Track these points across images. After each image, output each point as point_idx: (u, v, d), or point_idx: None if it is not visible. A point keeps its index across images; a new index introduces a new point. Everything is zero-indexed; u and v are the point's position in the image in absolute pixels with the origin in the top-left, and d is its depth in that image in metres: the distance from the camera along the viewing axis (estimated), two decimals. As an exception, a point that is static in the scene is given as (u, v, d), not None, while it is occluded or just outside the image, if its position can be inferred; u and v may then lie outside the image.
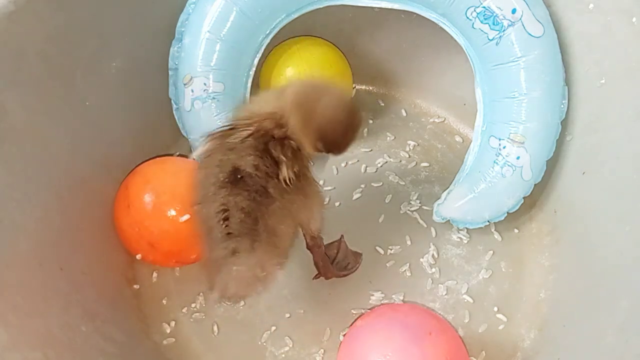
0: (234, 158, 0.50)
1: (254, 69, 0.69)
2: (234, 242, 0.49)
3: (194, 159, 0.58)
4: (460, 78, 0.76)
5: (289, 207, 0.51)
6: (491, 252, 0.70)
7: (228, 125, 0.52)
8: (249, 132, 0.50)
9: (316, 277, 0.66)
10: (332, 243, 0.68)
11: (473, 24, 0.64)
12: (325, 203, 0.59)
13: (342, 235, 0.68)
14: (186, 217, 0.60)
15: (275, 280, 0.52)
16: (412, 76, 0.83)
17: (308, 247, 0.62)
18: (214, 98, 0.67)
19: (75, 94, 0.61)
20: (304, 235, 0.59)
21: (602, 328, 0.54)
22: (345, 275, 0.67)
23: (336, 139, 0.52)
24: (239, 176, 0.49)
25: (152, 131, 0.72)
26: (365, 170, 0.77)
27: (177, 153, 0.74)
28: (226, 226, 0.49)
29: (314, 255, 0.64)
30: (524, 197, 0.68)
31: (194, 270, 0.67)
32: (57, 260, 0.56)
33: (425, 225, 0.72)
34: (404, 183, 0.76)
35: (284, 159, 0.50)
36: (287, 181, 0.50)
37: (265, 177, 0.49)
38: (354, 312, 0.65)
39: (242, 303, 0.66)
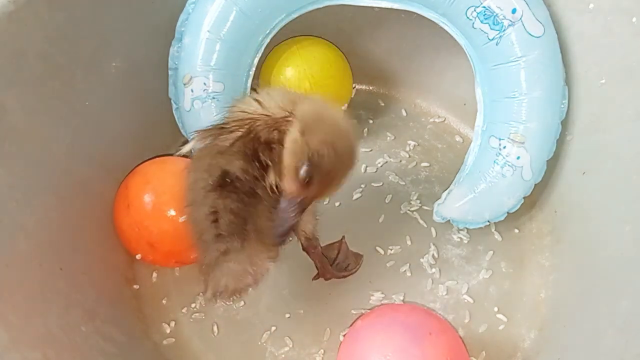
0: (223, 162, 0.50)
1: (254, 68, 0.69)
2: (224, 243, 0.50)
3: (182, 155, 0.58)
4: (460, 78, 0.76)
5: (276, 204, 0.51)
6: (491, 252, 0.70)
7: (219, 125, 0.52)
8: (239, 134, 0.50)
9: (315, 277, 0.66)
10: (333, 244, 0.68)
11: (473, 23, 0.64)
12: (317, 206, 0.58)
13: (343, 236, 0.68)
14: (185, 217, 0.60)
15: (266, 273, 0.53)
16: (412, 76, 0.83)
17: (304, 249, 0.62)
18: (213, 98, 0.67)
19: (75, 94, 0.61)
20: (298, 237, 0.59)
21: (602, 328, 0.54)
22: (344, 277, 0.67)
23: (328, 170, 0.48)
24: (227, 180, 0.49)
25: (152, 131, 0.72)
26: (365, 170, 0.77)
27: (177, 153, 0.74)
28: (216, 228, 0.50)
29: (311, 257, 0.64)
30: (524, 197, 0.68)
31: (194, 270, 0.66)
32: (57, 260, 0.56)
33: (426, 225, 0.72)
34: (404, 183, 0.76)
35: (270, 163, 0.50)
36: (274, 188, 0.50)
37: (254, 180, 0.49)
38: (354, 312, 0.65)
39: (241, 303, 0.66)
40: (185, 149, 0.55)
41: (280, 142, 0.50)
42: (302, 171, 0.47)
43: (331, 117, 0.50)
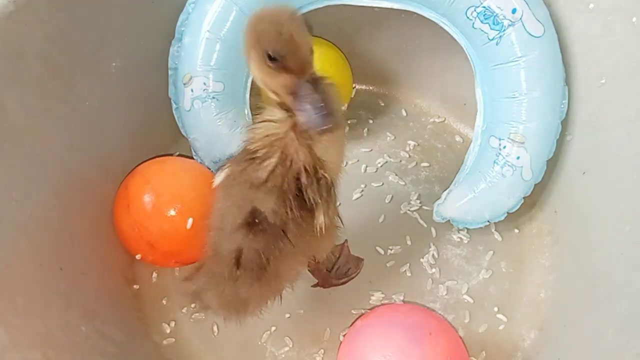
0: (256, 199, 0.48)
1: (254, 68, 0.69)
2: (238, 272, 0.49)
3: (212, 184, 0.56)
4: (460, 78, 0.76)
5: (303, 250, 0.51)
6: (491, 252, 0.70)
7: (248, 152, 0.49)
8: (274, 162, 0.48)
9: (315, 286, 0.66)
10: (334, 246, 0.68)
11: (473, 23, 0.64)
12: (338, 236, 0.57)
13: (345, 240, 0.68)
14: (190, 222, 0.60)
15: (245, 320, 0.53)
16: (412, 76, 0.83)
17: (309, 269, 0.62)
18: (213, 98, 0.67)
19: (75, 94, 0.61)
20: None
21: (602, 328, 0.54)
22: (344, 283, 0.67)
23: (282, 35, 0.44)
24: (256, 220, 0.47)
25: (152, 131, 0.72)
26: (365, 170, 0.77)
27: (177, 153, 0.74)
28: (237, 262, 0.49)
29: (313, 273, 0.64)
30: (524, 197, 0.68)
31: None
32: (57, 260, 0.56)
33: (426, 225, 0.72)
34: (404, 183, 0.76)
35: (319, 201, 0.48)
36: (322, 229, 0.49)
37: (285, 221, 0.48)
38: (354, 312, 0.65)
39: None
40: (217, 180, 0.52)
41: (323, 168, 0.48)
42: (265, 57, 0.44)
43: (253, 15, 0.47)
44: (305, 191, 0.48)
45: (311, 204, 0.48)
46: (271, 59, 0.44)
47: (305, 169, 0.48)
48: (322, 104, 0.44)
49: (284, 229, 0.48)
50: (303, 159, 0.48)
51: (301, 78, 0.45)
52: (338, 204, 0.52)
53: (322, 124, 0.44)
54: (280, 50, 0.44)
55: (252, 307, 0.52)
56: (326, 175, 0.48)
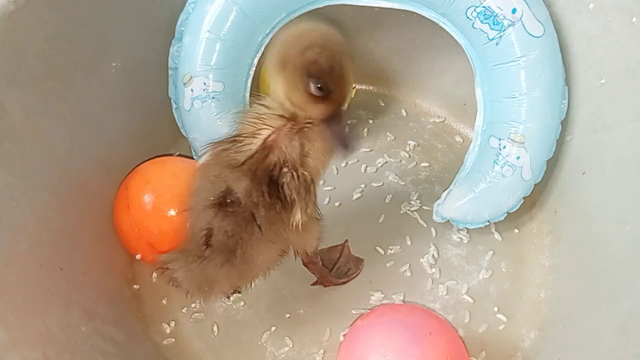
0: (230, 179, 0.48)
1: (253, 68, 0.69)
2: (207, 252, 0.50)
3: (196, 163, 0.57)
4: (460, 78, 0.76)
5: (275, 239, 0.51)
6: (491, 252, 0.70)
7: (231, 138, 0.50)
8: (254, 148, 0.48)
9: (314, 284, 0.66)
10: (335, 247, 0.68)
11: (473, 23, 0.64)
12: (321, 230, 0.56)
13: (346, 240, 0.68)
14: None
15: (211, 301, 0.54)
16: (412, 76, 0.83)
17: (304, 264, 0.62)
18: (213, 97, 0.67)
19: (75, 94, 0.61)
20: (299, 254, 0.58)
21: (602, 328, 0.54)
22: (344, 283, 0.67)
23: (331, 67, 0.44)
24: (228, 200, 0.48)
25: (152, 131, 0.72)
26: (365, 170, 0.77)
27: (177, 153, 0.74)
28: (206, 242, 0.49)
29: (310, 270, 0.64)
30: (524, 197, 0.68)
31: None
32: (57, 260, 0.56)
33: (426, 225, 0.72)
34: (404, 183, 0.76)
35: (296, 199, 0.48)
36: (299, 227, 0.49)
37: (255, 206, 0.48)
38: (354, 312, 0.65)
39: (241, 303, 0.66)
40: (200, 160, 0.53)
41: (304, 166, 0.48)
42: (312, 88, 0.44)
43: (299, 30, 0.47)
44: (282, 186, 0.48)
45: (289, 199, 0.48)
46: (317, 89, 0.45)
47: (286, 164, 0.48)
48: (349, 130, 0.47)
49: (254, 212, 0.48)
50: (290, 153, 0.48)
51: (339, 108, 0.46)
52: (322, 182, 0.52)
53: (351, 147, 0.47)
54: (329, 85, 0.45)
55: (218, 288, 0.52)
56: (306, 173, 0.49)
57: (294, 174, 0.48)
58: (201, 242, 0.49)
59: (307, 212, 0.50)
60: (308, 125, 0.48)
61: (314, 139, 0.49)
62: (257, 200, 0.48)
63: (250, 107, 0.52)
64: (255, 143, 0.48)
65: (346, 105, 0.47)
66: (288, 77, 0.46)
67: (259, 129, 0.49)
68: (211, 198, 0.48)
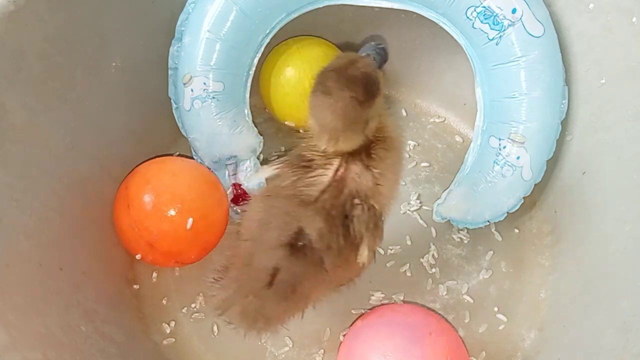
0: (303, 219, 0.46)
1: (253, 68, 0.69)
2: (269, 292, 0.47)
3: (261, 185, 0.54)
4: (460, 78, 0.76)
5: (336, 278, 0.50)
6: (491, 252, 0.70)
7: (304, 160, 0.47)
8: (326, 180, 0.46)
9: None
10: None
11: (473, 23, 0.64)
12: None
13: None
14: (190, 222, 0.60)
15: (260, 337, 0.52)
16: (412, 76, 0.83)
17: None
18: (213, 97, 0.67)
19: (75, 94, 0.61)
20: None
21: (602, 328, 0.54)
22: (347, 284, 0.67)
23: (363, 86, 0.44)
24: (300, 243, 0.46)
25: (152, 131, 0.72)
26: (365, 170, 0.77)
27: (177, 153, 0.74)
28: (271, 280, 0.47)
29: None
30: (524, 197, 0.68)
31: (194, 270, 0.67)
32: (57, 260, 0.56)
33: (425, 225, 0.72)
34: (404, 183, 0.76)
35: (364, 234, 0.46)
36: (364, 265, 0.48)
37: (326, 248, 0.46)
38: (354, 312, 0.65)
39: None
40: (262, 174, 0.51)
41: (373, 196, 0.47)
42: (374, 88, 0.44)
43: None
44: (354, 219, 0.46)
45: (357, 235, 0.46)
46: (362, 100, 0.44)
47: (360, 195, 0.46)
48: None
49: (323, 256, 0.46)
50: (361, 182, 0.46)
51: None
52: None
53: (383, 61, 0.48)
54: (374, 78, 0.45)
55: (274, 324, 0.51)
56: (376, 205, 0.47)
57: (365, 206, 0.46)
58: (265, 281, 0.47)
59: (373, 249, 0.48)
60: (374, 143, 0.46)
61: (383, 157, 0.47)
62: (329, 243, 0.46)
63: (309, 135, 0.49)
64: (327, 175, 0.46)
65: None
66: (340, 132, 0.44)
67: (329, 159, 0.47)
68: (282, 238, 0.46)
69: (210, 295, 0.52)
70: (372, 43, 0.50)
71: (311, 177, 0.46)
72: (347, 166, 0.46)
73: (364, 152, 0.47)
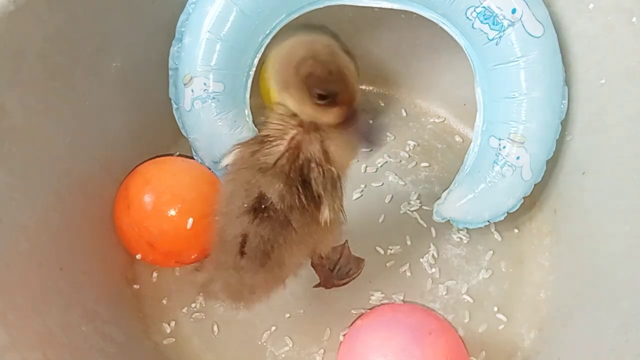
0: (263, 183, 0.48)
1: (254, 69, 0.69)
2: (243, 261, 0.49)
3: (223, 168, 0.56)
4: (460, 78, 0.76)
5: (307, 240, 0.51)
6: (491, 252, 0.70)
7: (260, 137, 0.50)
8: (282, 148, 0.48)
9: (317, 286, 0.66)
10: (335, 247, 0.68)
11: (473, 24, 0.64)
12: (342, 231, 0.57)
13: (346, 241, 0.68)
14: (190, 222, 0.60)
15: (254, 307, 0.53)
16: (412, 76, 0.83)
17: (313, 265, 0.62)
18: (214, 98, 0.67)
19: (75, 94, 0.61)
20: (315, 254, 0.59)
21: (602, 328, 0.55)
22: (345, 284, 0.67)
23: (331, 71, 0.45)
24: (263, 206, 0.48)
25: (152, 131, 0.72)
26: (365, 170, 0.77)
27: (177, 153, 0.74)
28: (242, 248, 0.49)
29: (317, 272, 0.64)
30: (523, 197, 0.68)
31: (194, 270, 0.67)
32: (57, 260, 0.56)
33: (425, 225, 0.72)
34: (404, 183, 0.76)
35: (323, 194, 0.48)
36: (327, 223, 0.49)
37: (290, 209, 0.48)
38: (354, 312, 0.65)
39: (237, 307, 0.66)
40: (225, 161, 0.53)
41: (330, 162, 0.48)
42: (318, 99, 0.45)
43: (285, 49, 0.47)
44: (311, 182, 0.48)
45: (317, 195, 0.48)
46: (321, 97, 0.45)
47: (314, 160, 0.48)
48: (371, 124, 0.49)
49: (288, 216, 0.48)
50: (312, 150, 0.48)
51: (351, 107, 0.46)
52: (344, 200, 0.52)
53: (377, 141, 0.49)
54: (333, 90, 0.45)
55: (258, 294, 0.52)
56: (333, 168, 0.49)
57: (321, 169, 0.48)
58: (236, 249, 0.49)
59: (335, 208, 0.50)
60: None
61: (333, 137, 0.49)
62: (291, 202, 0.48)
63: (272, 110, 0.51)
64: (283, 144, 0.48)
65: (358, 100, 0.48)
66: (294, 96, 0.46)
67: (285, 131, 0.49)
68: (245, 205, 0.48)
69: (194, 281, 0.53)
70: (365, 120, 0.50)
71: (268, 148, 0.49)
72: (302, 136, 0.48)
73: (319, 128, 0.49)
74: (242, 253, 0.49)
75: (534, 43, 0.62)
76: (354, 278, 0.67)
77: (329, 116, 0.47)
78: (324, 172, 0.48)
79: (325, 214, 0.49)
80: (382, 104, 0.85)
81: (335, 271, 0.66)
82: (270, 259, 0.49)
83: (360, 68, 0.80)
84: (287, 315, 0.65)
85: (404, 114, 0.83)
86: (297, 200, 0.48)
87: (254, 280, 0.50)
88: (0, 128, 0.52)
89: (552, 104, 0.64)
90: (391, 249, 0.70)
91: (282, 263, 0.50)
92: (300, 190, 0.48)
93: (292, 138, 0.48)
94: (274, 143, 0.49)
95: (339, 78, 0.45)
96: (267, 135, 0.50)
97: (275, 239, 0.48)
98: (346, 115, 0.47)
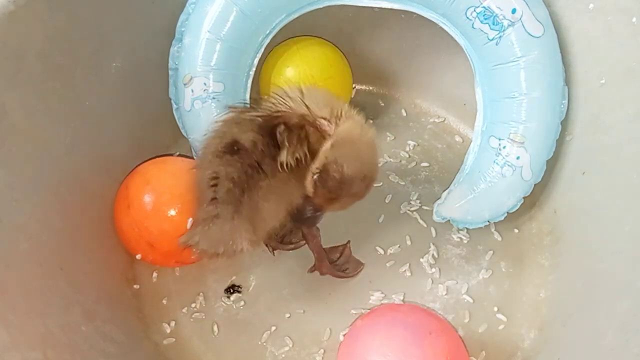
0: (236, 131, 0.52)
1: (254, 69, 0.69)
2: (217, 208, 0.52)
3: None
4: (460, 78, 0.76)
5: (280, 187, 0.53)
6: (491, 252, 0.70)
7: (253, 104, 0.55)
8: (263, 114, 0.52)
9: (311, 269, 0.66)
10: (336, 247, 0.68)
11: (473, 24, 0.64)
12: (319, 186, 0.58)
13: (348, 241, 0.68)
14: (190, 222, 0.60)
15: (240, 253, 0.53)
16: (412, 76, 0.83)
17: (303, 235, 0.63)
18: (214, 98, 0.67)
19: (75, 94, 0.61)
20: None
21: (602, 328, 0.54)
22: (340, 277, 0.67)
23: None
24: (235, 148, 0.51)
25: (152, 131, 0.72)
26: (365, 170, 0.77)
27: (177, 153, 0.74)
28: (214, 192, 0.51)
29: (309, 245, 0.64)
30: (524, 197, 0.68)
31: (194, 270, 0.67)
32: (57, 260, 0.56)
33: (425, 225, 0.72)
34: (404, 183, 0.76)
35: (286, 144, 0.51)
36: (284, 166, 0.51)
37: (261, 155, 0.51)
38: (354, 312, 0.65)
39: (241, 303, 0.66)
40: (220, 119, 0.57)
41: (302, 128, 0.52)
42: (309, 185, 0.51)
43: (360, 139, 0.53)
44: (277, 133, 0.51)
45: (279, 144, 0.52)
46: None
47: (286, 125, 0.52)
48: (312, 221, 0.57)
49: (260, 161, 0.51)
50: (292, 120, 0.52)
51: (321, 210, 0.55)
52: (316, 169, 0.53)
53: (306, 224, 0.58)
54: (334, 192, 0.52)
55: (239, 242, 0.53)
56: (301, 132, 0.52)
57: (290, 128, 0.52)
58: (209, 191, 0.51)
59: (297, 157, 0.52)
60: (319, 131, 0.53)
61: (316, 141, 0.52)
62: (262, 148, 0.51)
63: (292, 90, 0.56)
64: (267, 112, 0.53)
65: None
66: (322, 154, 0.51)
67: (278, 108, 0.53)
68: (219, 149, 0.52)
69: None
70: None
71: (252, 111, 0.54)
72: (289, 113, 0.53)
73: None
74: (214, 199, 0.51)
75: (534, 43, 0.63)
76: (348, 277, 0.67)
77: (314, 194, 0.52)
78: (291, 130, 0.51)
79: (282, 156, 0.51)
80: (382, 104, 0.85)
81: (332, 266, 0.66)
82: (242, 204, 0.51)
83: (360, 68, 0.81)
84: (287, 315, 0.65)
85: (404, 114, 0.83)
86: (267, 146, 0.51)
87: (231, 226, 0.52)
88: (0, 128, 0.52)
89: (552, 104, 0.65)
90: (391, 249, 0.70)
91: (256, 208, 0.52)
92: (272, 141, 0.51)
93: (278, 111, 0.52)
94: (261, 111, 0.53)
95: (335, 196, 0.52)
96: (258, 105, 0.54)
97: (245, 181, 0.51)
98: (313, 208, 0.54)
